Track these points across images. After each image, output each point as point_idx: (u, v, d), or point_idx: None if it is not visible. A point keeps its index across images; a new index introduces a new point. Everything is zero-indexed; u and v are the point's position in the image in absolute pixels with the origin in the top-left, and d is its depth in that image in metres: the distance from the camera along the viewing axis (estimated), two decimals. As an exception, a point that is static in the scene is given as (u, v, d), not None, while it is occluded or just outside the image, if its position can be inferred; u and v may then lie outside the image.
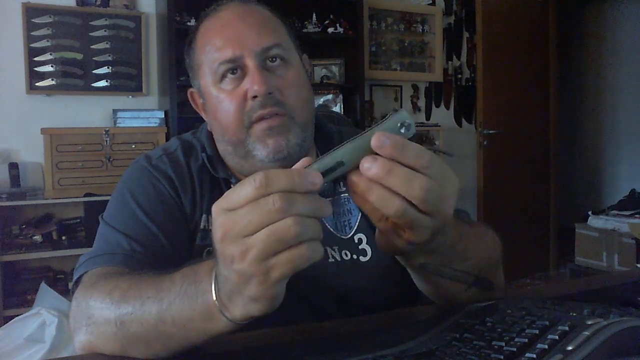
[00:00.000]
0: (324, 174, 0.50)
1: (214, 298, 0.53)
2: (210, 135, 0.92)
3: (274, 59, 0.83)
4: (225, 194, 0.49)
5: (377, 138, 0.50)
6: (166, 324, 0.58)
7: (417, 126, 3.26)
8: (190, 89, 0.93)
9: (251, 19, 0.84)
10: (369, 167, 0.50)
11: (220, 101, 0.83)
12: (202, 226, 0.87)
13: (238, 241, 0.47)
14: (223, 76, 0.83)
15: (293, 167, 0.50)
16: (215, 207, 0.49)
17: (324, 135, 0.96)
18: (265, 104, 0.80)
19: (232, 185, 0.88)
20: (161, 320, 0.58)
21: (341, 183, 0.90)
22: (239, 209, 0.47)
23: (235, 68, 0.82)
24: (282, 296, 0.51)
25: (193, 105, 0.94)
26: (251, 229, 0.46)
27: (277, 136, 0.81)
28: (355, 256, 0.89)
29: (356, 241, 0.90)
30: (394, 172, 0.50)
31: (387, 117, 0.53)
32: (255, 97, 0.80)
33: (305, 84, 0.88)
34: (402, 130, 0.52)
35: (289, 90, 0.83)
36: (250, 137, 0.82)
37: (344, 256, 0.89)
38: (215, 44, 0.83)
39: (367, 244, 0.90)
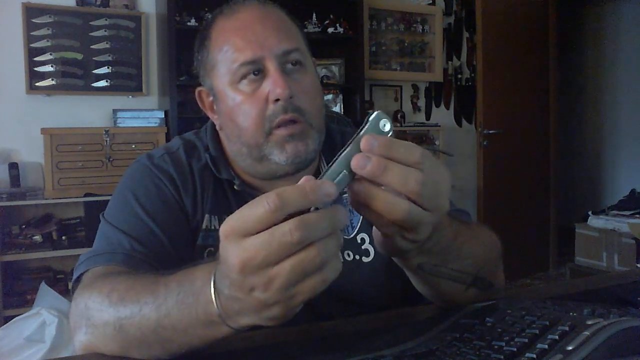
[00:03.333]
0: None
1: (217, 310, 0.52)
2: (215, 135, 0.92)
3: (293, 63, 0.83)
4: (233, 216, 0.47)
5: (365, 141, 0.49)
6: (166, 330, 0.57)
7: (417, 126, 3.25)
8: (199, 88, 0.92)
9: (271, 22, 0.84)
10: (364, 164, 0.49)
11: (239, 103, 0.83)
12: (203, 226, 0.86)
13: (260, 273, 0.46)
14: (242, 77, 0.82)
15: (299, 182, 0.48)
16: (225, 232, 0.47)
17: (327, 136, 0.96)
18: (287, 109, 0.80)
19: (235, 187, 0.88)
20: (161, 326, 0.58)
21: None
22: (255, 237, 0.45)
23: (255, 70, 0.82)
24: (298, 310, 0.50)
25: (199, 104, 0.93)
26: (272, 260, 0.45)
27: (297, 142, 0.82)
28: (358, 256, 0.90)
29: (359, 241, 0.90)
30: (389, 169, 0.49)
31: (365, 121, 0.52)
32: (277, 100, 0.80)
33: (319, 89, 0.88)
34: (385, 129, 0.52)
35: (306, 96, 0.83)
36: (269, 142, 0.82)
37: (347, 257, 0.89)
38: (235, 44, 0.82)
39: (369, 243, 0.90)
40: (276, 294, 0.46)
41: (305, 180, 0.47)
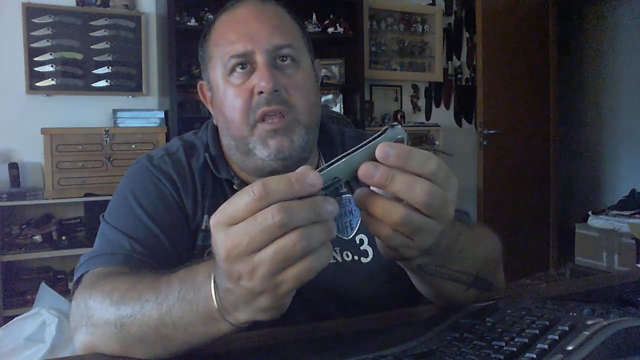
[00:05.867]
0: (323, 189, 0.49)
1: (216, 305, 0.53)
2: (215, 133, 0.92)
3: (284, 59, 0.84)
4: (222, 207, 0.48)
5: (381, 149, 0.49)
6: (167, 327, 0.58)
7: (417, 126, 3.25)
8: (200, 82, 0.94)
9: (266, 18, 0.85)
10: (371, 175, 0.49)
11: (228, 95, 0.84)
12: (203, 227, 0.86)
13: (244, 260, 0.46)
14: (232, 70, 0.84)
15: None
16: (214, 222, 0.48)
17: (327, 135, 0.96)
18: (271, 101, 0.81)
19: (234, 187, 0.88)
20: (162, 323, 0.58)
21: (342, 184, 0.89)
22: (239, 225, 0.46)
23: (245, 63, 0.83)
24: (289, 302, 0.51)
25: (201, 98, 0.95)
26: (255, 246, 0.46)
27: (281, 137, 0.82)
28: (356, 257, 0.89)
29: (357, 242, 0.90)
30: (396, 178, 0.49)
31: (381, 132, 0.52)
32: (261, 92, 0.81)
33: (313, 87, 0.88)
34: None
35: (296, 90, 0.83)
36: (253, 136, 0.83)
37: (346, 257, 0.89)
38: (228, 38, 0.84)
39: (368, 244, 0.90)
40: (262, 282, 0.47)
41: (300, 169, 0.48)
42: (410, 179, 0.50)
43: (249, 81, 0.82)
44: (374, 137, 0.52)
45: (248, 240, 0.46)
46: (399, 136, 0.52)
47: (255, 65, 0.82)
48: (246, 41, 0.82)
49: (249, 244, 0.46)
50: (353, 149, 0.51)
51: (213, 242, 0.48)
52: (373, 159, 0.50)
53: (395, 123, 0.53)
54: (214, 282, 0.53)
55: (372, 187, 0.52)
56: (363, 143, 0.51)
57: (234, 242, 0.46)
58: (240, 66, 0.83)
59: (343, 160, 0.50)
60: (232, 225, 0.46)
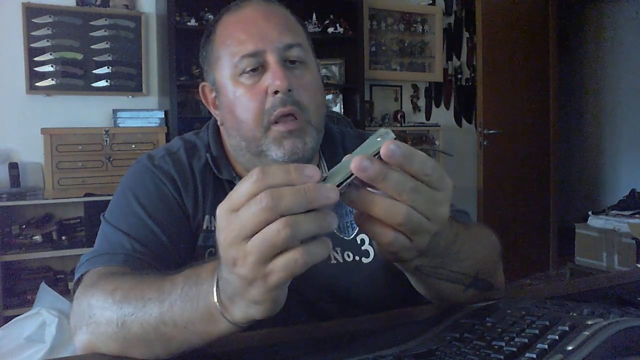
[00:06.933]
0: None
1: (215, 300, 0.53)
2: (216, 134, 0.92)
3: (294, 59, 0.84)
4: (229, 194, 0.48)
5: (386, 147, 0.49)
6: (167, 326, 0.58)
7: (417, 126, 3.26)
8: (202, 83, 0.93)
9: (274, 18, 0.85)
10: (364, 168, 0.48)
11: (239, 96, 0.83)
12: (204, 227, 0.86)
13: (238, 245, 0.47)
14: (243, 71, 0.83)
15: None
16: (219, 209, 0.49)
17: (327, 136, 0.96)
18: (286, 102, 0.81)
19: (235, 187, 0.88)
20: (162, 321, 0.58)
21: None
22: (238, 211, 0.47)
23: (256, 63, 0.82)
24: (283, 299, 0.51)
25: (202, 99, 0.94)
26: (247, 231, 0.46)
27: (295, 138, 0.81)
28: (357, 257, 0.89)
29: (359, 242, 0.90)
30: (388, 176, 0.49)
31: (372, 136, 0.52)
32: (276, 92, 0.80)
33: (321, 88, 0.88)
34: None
35: (306, 91, 0.83)
36: (267, 138, 0.82)
37: (347, 257, 0.89)
38: (237, 38, 0.84)
39: (369, 244, 0.90)
40: (252, 269, 0.47)
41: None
42: (401, 177, 0.50)
43: (261, 81, 0.82)
44: (362, 144, 0.52)
45: (240, 226, 0.46)
46: (388, 137, 0.52)
47: (267, 65, 0.82)
48: (256, 40, 0.82)
49: (241, 230, 0.46)
50: (347, 156, 0.51)
51: (217, 228, 0.49)
52: None
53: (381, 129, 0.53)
54: (217, 277, 0.53)
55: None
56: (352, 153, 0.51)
57: (231, 227, 0.47)
58: (251, 66, 0.82)
59: (336, 166, 0.50)
60: (234, 211, 0.47)
